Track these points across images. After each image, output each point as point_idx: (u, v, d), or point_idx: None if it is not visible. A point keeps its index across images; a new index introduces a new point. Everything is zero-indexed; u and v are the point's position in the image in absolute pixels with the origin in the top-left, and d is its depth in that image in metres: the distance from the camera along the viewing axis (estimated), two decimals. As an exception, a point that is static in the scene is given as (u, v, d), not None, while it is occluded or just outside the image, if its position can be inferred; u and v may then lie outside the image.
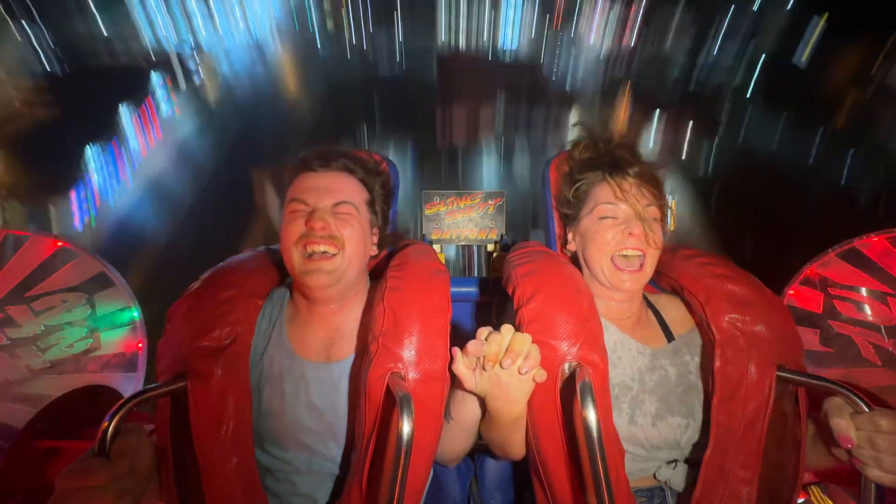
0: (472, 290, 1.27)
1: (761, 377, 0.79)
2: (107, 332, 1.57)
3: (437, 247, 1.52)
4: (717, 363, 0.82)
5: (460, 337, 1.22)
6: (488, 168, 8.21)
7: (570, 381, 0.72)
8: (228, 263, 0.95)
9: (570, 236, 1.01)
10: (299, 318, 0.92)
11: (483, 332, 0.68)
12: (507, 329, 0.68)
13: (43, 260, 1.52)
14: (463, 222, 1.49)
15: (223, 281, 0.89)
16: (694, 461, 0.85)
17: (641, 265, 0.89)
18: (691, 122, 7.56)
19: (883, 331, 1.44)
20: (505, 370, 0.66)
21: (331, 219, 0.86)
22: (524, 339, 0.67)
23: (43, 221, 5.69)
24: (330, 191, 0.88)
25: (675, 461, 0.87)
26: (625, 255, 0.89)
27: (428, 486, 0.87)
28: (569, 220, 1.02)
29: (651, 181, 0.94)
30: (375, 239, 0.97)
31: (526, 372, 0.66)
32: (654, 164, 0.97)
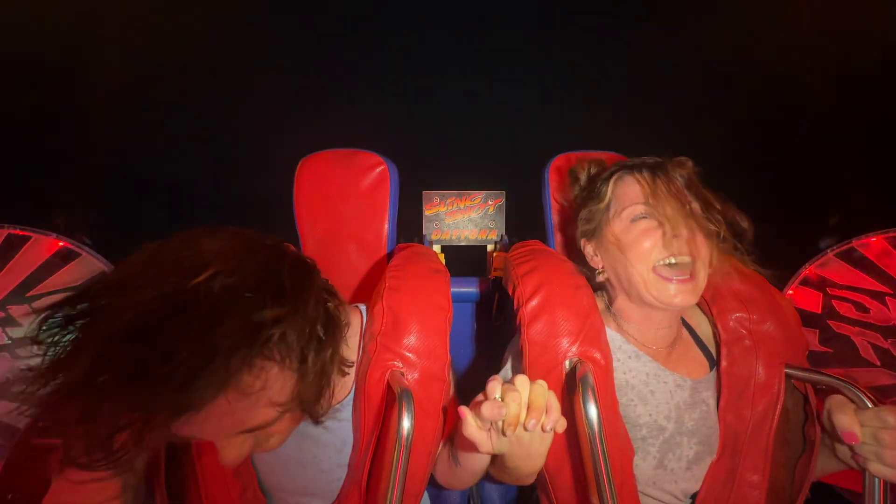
0: (472, 290, 1.27)
1: (770, 376, 0.78)
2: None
3: (436, 247, 1.52)
4: (724, 363, 0.80)
5: (460, 338, 1.23)
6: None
7: (572, 378, 0.72)
8: None
9: (590, 250, 0.88)
10: None
11: (494, 387, 0.57)
12: (522, 382, 0.58)
13: (44, 260, 1.52)
14: (463, 222, 1.50)
15: None
16: None
17: (692, 274, 0.74)
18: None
19: (881, 331, 1.45)
20: (529, 430, 0.56)
21: (244, 439, 0.58)
22: (542, 390, 0.58)
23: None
24: (220, 432, 0.55)
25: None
26: (669, 263, 0.75)
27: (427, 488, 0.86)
28: (588, 234, 0.88)
29: (697, 182, 0.78)
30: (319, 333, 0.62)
31: (550, 428, 0.56)
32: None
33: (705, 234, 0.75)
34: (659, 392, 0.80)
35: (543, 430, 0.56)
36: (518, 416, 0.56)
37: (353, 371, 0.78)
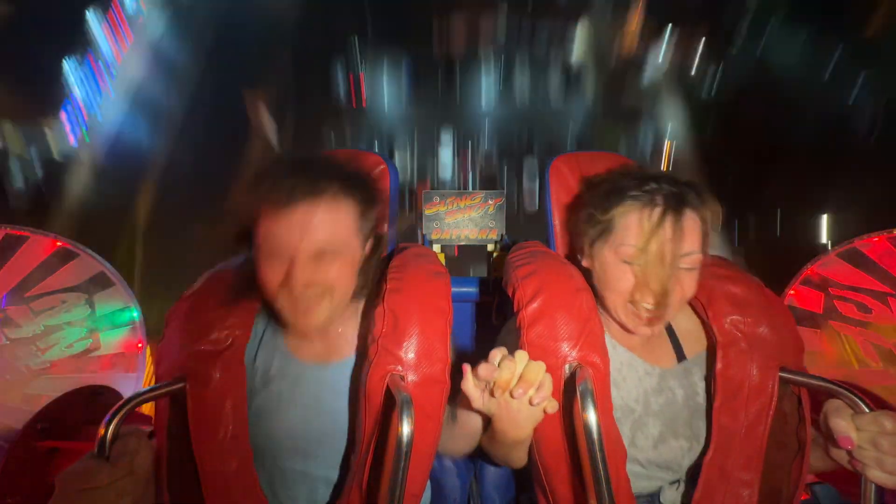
0: (472, 290, 1.26)
1: (764, 379, 0.78)
2: (106, 333, 1.58)
3: (436, 247, 1.52)
4: (719, 365, 0.81)
5: (460, 338, 1.22)
6: (487, 86, 7.46)
7: (571, 382, 0.72)
8: (227, 266, 0.95)
9: (586, 247, 0.87)
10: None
11: (496, 354, 0.64)
12: (521, 356, 0.64)
13: (42, 260, 1.52)
14: (463, 222, 1.49)
15: (222, 284, 0.89)
16: (696, 479, 0.83)
17: (661, 315, 0.79)
18: (704, 38, 6.78)
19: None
20: (515, 399, 0.64)
21: (315, 268, 0.74)
22: (538, 368, 0.64)
23: (40, 142, 5.84)
24: (309, 232, 0.73)
25: (679, 481, 0.86)
26: (645, 306, 0.79)
27: (428, 487, 0.87)
28: (587, 235, 0.87)
29: (703, 223, 0.79)
30: (369, 247, 0.84)
31: (538, 403, 0.63)
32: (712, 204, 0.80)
33: (691, 275, 0.78)
34: (630, 379, 0.86)
35: (531, 403, 0.64)
36: (508, 382, 0.63)
37: (354, 333, 0.86)
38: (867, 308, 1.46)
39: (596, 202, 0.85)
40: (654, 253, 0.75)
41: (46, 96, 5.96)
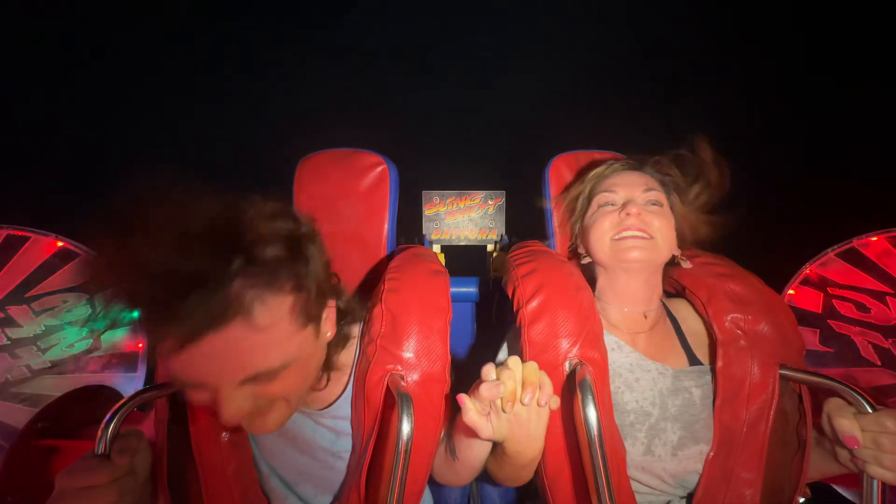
0: (472, 290, 1.26)
1: (765, 377, 0.78)
2: (107, 333, 1.58)
3: (436, 247, 1.52)
4: (720, 363, 0.81)
5: (460, 339, 1.22)
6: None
7: (571, 380, 0.72)
8: None
9: (579, 245, 0.97)
10: None
11: (489, 371, 0.62)
12: (514, 361, 0.64)
13: (43, 260, 1.52)
14: (463, 222, 1.50)
15: None
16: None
17: (650, 236, 0.84)
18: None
19: (882, 330, 1.45)
20: (525, 406, 0.62)
21: (251, 391, 0.58)
22: (534, 367, 0.64)
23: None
24: (228, 365, 0.55)
25: (689, 495, 0.84)
26: (625, 236, 0.85)
27: (427, 488, 0.86)
28: (576, 230, 0.98)
29: (658, 168, 0.92)
30: (331, 318, 0.71)
31: (545, 403, 0.62)
32: (666, 155, 0.93)
33: (658, 210, 0.87)
34: (644, 380, 0.83)
35: (539, 404, 0.61)
36: (514, 393, 0.60)
37: (347, 370, 0.78)
38: (866, 307, 1.46)
39: (571, 185, 0.99)
40: (619, 185, 0.89)
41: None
